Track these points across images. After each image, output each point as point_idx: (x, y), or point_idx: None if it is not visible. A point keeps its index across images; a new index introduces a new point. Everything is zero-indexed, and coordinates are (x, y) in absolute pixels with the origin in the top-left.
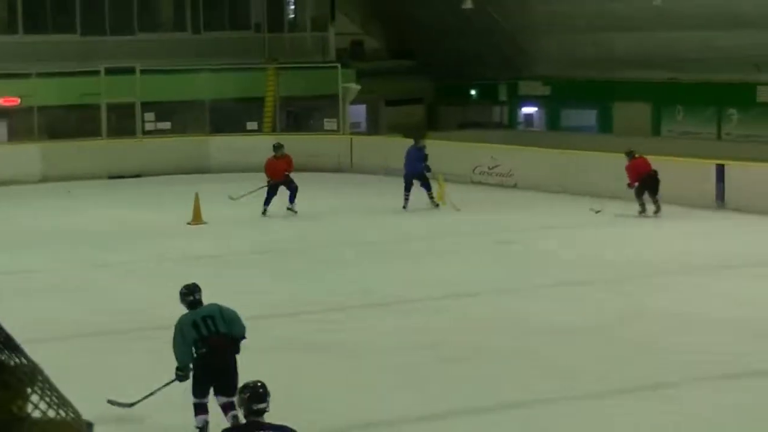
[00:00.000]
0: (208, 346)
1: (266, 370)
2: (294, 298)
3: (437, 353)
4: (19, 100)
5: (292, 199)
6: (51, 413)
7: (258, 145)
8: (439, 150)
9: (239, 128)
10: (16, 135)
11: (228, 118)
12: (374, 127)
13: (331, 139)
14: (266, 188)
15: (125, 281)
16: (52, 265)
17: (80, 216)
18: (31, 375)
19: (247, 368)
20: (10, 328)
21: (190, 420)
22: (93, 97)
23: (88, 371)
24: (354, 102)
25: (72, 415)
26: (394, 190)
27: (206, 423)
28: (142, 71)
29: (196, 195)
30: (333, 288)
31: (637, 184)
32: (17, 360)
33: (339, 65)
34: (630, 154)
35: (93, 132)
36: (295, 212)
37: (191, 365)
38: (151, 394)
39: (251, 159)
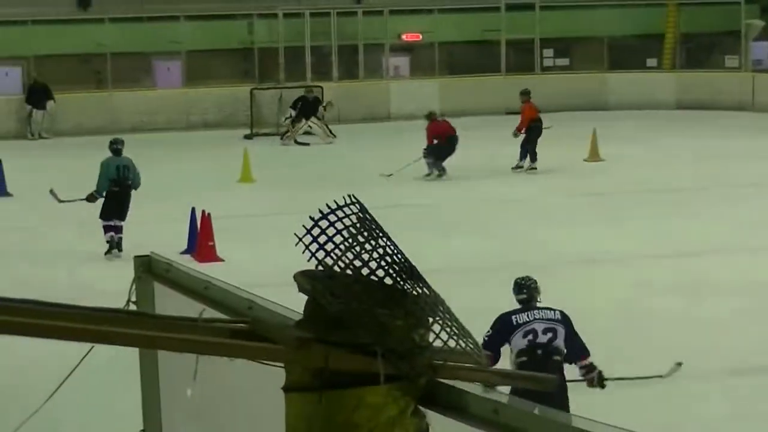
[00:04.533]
0: (120, 185)
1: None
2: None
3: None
4: (420, 36)
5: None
6: (451, 343)
7: (656, 82)
8: None
9: (638, 65)
10: (417, 70)
11: (627, 54)
12: None
13: (732, 76)
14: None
15: (517, 216)
16: (439, 197)
17: (478, 151)
18: (433, 305)
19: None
20: (415, 261)
21: None
22: (493, 34)
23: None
24: (757, 39)
25: (471, 345)
26: None
27: (113, 237)
28: (542, 7)
29: (594, 131)
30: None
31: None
32: (420, 290)
33: (742, 1)
34: (429, 116)
35: (492, 68)
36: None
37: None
38: (72, 200)
39: (650, 96)
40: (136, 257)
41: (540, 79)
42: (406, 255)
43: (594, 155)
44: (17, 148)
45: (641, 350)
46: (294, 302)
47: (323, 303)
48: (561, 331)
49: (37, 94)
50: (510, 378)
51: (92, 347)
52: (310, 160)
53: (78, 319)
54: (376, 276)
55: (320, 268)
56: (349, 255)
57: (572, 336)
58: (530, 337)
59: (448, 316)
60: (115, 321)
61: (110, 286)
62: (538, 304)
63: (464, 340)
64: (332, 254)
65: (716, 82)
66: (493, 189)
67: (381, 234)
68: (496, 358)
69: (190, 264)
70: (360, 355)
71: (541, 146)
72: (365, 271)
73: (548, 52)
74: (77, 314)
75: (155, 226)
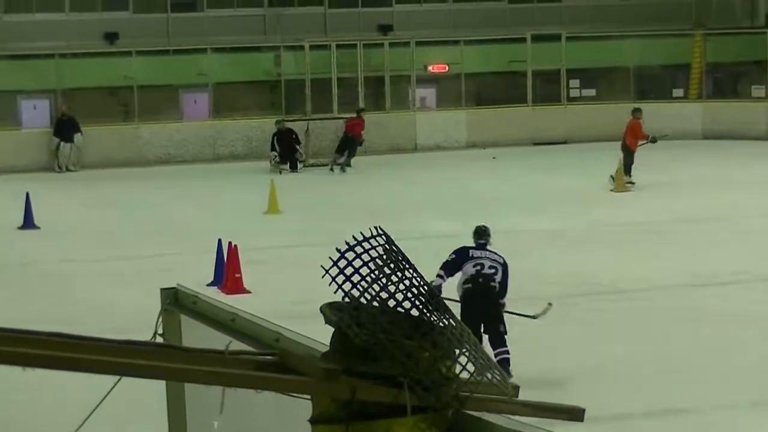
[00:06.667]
0: None
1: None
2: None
3: None
4: (447, 68)
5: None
6: (478, 375)
7: (683, 112)
8: None
9: (665, 95)
10: (443, 101)
11: (653, 84)
12: None
13: (759, 106)
14: None
15: (545, 245)
16: (461, 230)
17: (505, 181)
18: (460, 337)
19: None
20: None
21: None
22: (519, 65)
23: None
24: None
25: (498, 377)
26: None
27: None
28: (568, 38)
29: (619, 162)
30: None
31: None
32: (446, 321)
33: None
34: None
35: (518, 99)
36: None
37: None
38: None
39: (677, 126)
40: (163, 289)
41: (566, 110)
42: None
43: (620, 185)
44: (45, 181)
45: (673, 377)
46: (321, 334)
47: (350, 334)
48: (500, 270)
49: (65, 127)
50: (538, 409)
51: (119, 380)
52: (338, 192)
53: (105, 351)
54: (403, 308)
55: (347, 299)
56: (376, 287)
57: (504, 279)
58: (478, 267)
59: (474, 347)
60: (142, 353)
61: (134, 318)
62: (489, 248)
63: (491, 371)
64: (359, 286)
65: (743, 112)
66: (518, 220)
67: (407, 265)
68: (445, 277)
69: (216, 296)
70: (387, 386)
71: (566, 176)
72: (392, 303)
73: (574, 83)
74: (104, 347)
75: (182, 258)
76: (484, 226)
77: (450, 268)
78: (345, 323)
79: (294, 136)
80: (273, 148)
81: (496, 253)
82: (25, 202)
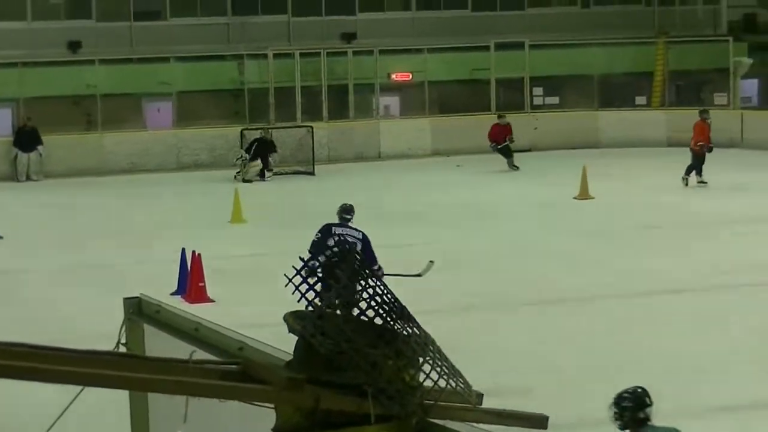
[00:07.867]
0: None
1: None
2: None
3: None
4: (410, 76)
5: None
6: (441, 383)
7: (647, 120)
8: None
9: (628, 103)
10: (407, 109)
11: (616, 92)
12: (767, 102)
13: (721, 114)
14: None
15: (508, 254)
16: (433, 237)
17: (469, 189)
18: (424, 345)
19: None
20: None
21: None
22: (483, 73)
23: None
24: (745, 76)
25: (462, 385)
26: None
27: None
28: (531, 46)
29: (584, 169)
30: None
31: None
32: (410, 330)
33: (731, 39)
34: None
35: (481, 107)
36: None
37: None
38: None
39: (641, 134)
40: (126, 299)
41: (530, 118)
42: (396, 295)
43: (584, 193)
44: (7, 190)
45: (639, 382)
46: (285, 343)
47: (314, 343)
48: (359, 245)
49: (24, 138)
50: (501, 417)
51: (82, 389)
52: (302, 201)
53: (68, 361)
54: (366, 316)
55: (310, 308)
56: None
57: (366, 250)
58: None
59: (438, 355)
60: (105, 363)
61: (97, 327)
62: (350, 224)
63: (455, 379)
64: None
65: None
66: (483, 227)
67: (370, 274)
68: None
69: (180, 305)
70: (351, 395)
71: (532, 183)
72: (355, 312)
73: (538, 91)
74: (67, 357)
75: (145, 267)
76: (349, 204)
77: (319, 246)
78: (309, 332)
79: (273, 147)
80: (248, 150)
81: (356, 229)
82: None
